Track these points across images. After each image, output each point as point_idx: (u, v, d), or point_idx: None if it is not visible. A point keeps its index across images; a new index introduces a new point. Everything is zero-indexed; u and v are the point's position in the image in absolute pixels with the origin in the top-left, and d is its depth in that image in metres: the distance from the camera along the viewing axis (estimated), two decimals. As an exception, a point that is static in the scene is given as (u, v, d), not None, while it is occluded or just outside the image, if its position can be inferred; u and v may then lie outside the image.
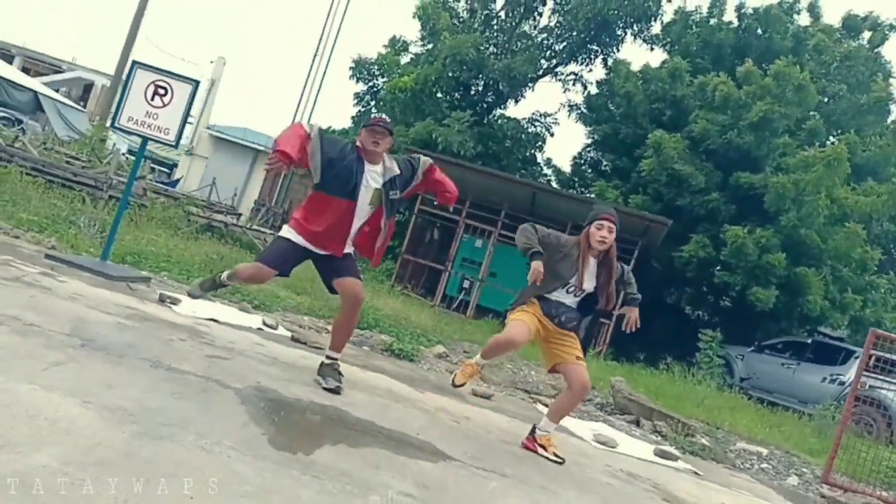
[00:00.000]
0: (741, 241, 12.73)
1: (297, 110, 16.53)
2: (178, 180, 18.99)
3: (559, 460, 3.99)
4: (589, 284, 4.20)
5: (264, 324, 5.67)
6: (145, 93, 5.73)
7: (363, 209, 4.10)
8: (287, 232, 4.19)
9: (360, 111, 17.61)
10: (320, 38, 16.21)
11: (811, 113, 14.54)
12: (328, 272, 4.22)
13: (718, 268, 13.12)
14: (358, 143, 4.13)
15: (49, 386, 2.68)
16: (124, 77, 5.61)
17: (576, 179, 19.05)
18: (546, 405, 5.94)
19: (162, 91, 5.73)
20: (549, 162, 19.07)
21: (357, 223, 4.11)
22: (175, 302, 5.37)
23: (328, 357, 4.23)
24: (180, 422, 2.72)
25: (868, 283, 13.79)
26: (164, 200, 12.29)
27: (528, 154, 18.59)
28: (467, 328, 10.82)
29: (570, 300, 4.22)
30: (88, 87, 41.18)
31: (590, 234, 4.19)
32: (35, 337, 3.28)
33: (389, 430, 3.54)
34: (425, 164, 4.33)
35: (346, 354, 5.50)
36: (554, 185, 18.85)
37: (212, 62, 19.61)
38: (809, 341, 13.49)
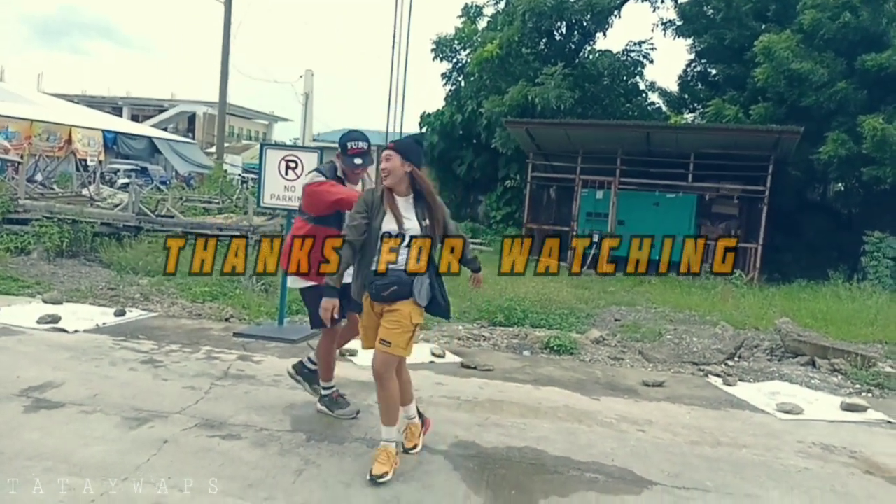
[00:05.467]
0: (881, 131, 11.81)
1: (389, 100, 16.94)
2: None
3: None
4: (394, 225, 3.49)
5: (433, 354, 6.15)
6: (279, 169, 6.29)
7: None
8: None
9: (450, 90, 17.75)
10: (394, 26, 16.37)
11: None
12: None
13: (864, 165, 12.26)
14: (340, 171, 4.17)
15: (305, 501, 3.21)
16: (259, 158, 6.15)
17: (686, 97, 18.25)
18: (718, 375, 6.06)
19: (293, 164, 6.25)
20: (653, 86, 18.36)
21: None
22: (353, 353, 5.94)
23: (311, 361, 4.39)
24: (418, 511, 3.18)
25: None
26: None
27: (629, 84, 18.00)
28: (609, 289, 10.93)
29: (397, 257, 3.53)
30: (192, 118, 44.12)
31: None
32: (271, 444, 3.86)
33: (587, 464, 3.85)
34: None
35: (513, 369, 5.94)
36: (663, 109, 18.19)
37: (300, 77, 20.32)
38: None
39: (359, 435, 4.09)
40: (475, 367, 5.82)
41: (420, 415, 3.99)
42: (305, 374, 4.47)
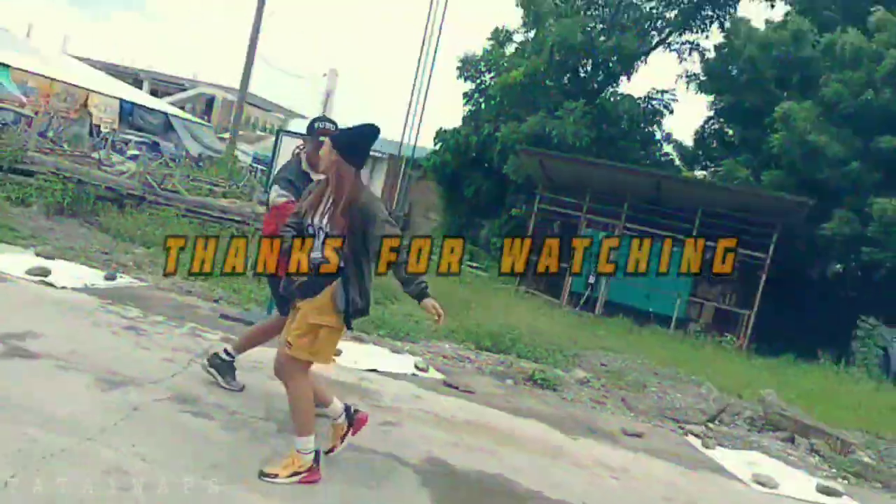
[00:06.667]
0: (890, 214, 11.85)
1: (407, 113, 16.95)
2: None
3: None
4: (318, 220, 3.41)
5: (416, 367, 6.06)
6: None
7: None
8: None
9: (470, 110, 17.82)
10: (423, 41, 16.42)
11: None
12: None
13: (865, 246, 12.30)
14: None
15: (267, 492, 3.13)
16: (273, 145, 6.11)
17: (700, 153, 18.37)
18: (698, 436, 5.97)
19: (306, 155, 6.20)
20: (668, 138, 18.49)
21: None
22: (337, 353, 5.86)
23: (227, 353, 4.36)
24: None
25: None
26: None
27: (646, 132, 18.12)
28: (599, 332, 10.87)
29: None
30: (210, 101, 44.10)
31: None
32: (242, 429, 3.78)
33: (557, 503, 3.77)
34: None
35: (495, 395, 5.87)
36: (676, 162, 18.30)
37: (324, 75, 20.44)
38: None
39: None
40: (457, 387, 5.74)
41: (350, 414, 3.69)
42: (219, 366, 4.36)
